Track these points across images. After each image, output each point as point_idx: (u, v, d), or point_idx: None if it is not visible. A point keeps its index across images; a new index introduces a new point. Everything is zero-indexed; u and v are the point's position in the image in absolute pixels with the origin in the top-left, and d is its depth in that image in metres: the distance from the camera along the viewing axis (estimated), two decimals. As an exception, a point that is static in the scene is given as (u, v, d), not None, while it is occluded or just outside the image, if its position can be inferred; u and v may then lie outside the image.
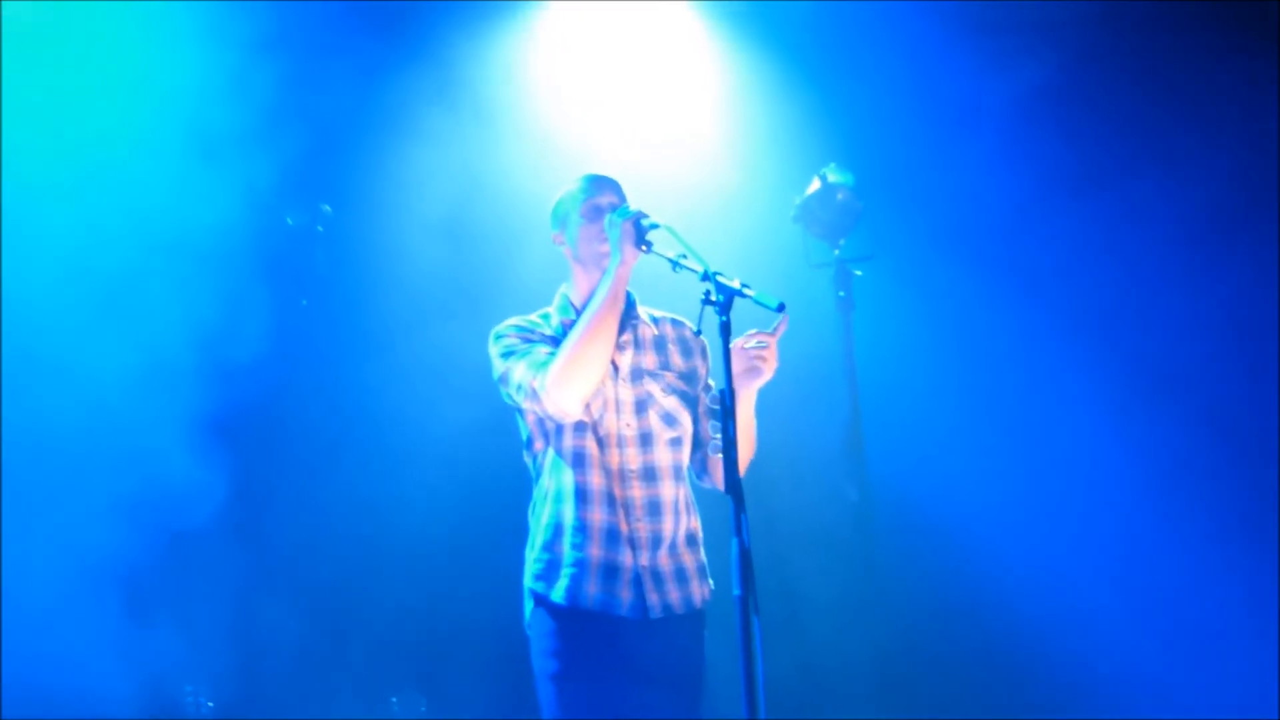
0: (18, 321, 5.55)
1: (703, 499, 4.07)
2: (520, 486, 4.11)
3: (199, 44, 5.81)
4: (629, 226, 3.76)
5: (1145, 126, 6.70)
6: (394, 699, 6.06)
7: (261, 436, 6.05)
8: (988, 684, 6.44)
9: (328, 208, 6.46)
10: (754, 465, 3.98)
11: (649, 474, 3.88)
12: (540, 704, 3.85)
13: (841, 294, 6.73)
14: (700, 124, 6.97)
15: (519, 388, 3.83)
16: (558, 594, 3.82)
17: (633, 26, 6.90)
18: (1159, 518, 6.49)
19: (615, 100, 6.82)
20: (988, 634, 6.46)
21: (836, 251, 6.81)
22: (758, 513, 3.36)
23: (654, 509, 3.87)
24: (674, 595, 3.86)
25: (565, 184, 4.10)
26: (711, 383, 4.09)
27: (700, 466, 4.08)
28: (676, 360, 4.04)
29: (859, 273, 6.77)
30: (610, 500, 3.84)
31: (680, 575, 3.89)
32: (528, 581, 3.94)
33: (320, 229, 6.41)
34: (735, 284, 3.41)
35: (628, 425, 3.89)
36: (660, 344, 4.04)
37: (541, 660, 3.86)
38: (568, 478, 3.87)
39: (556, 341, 3.90)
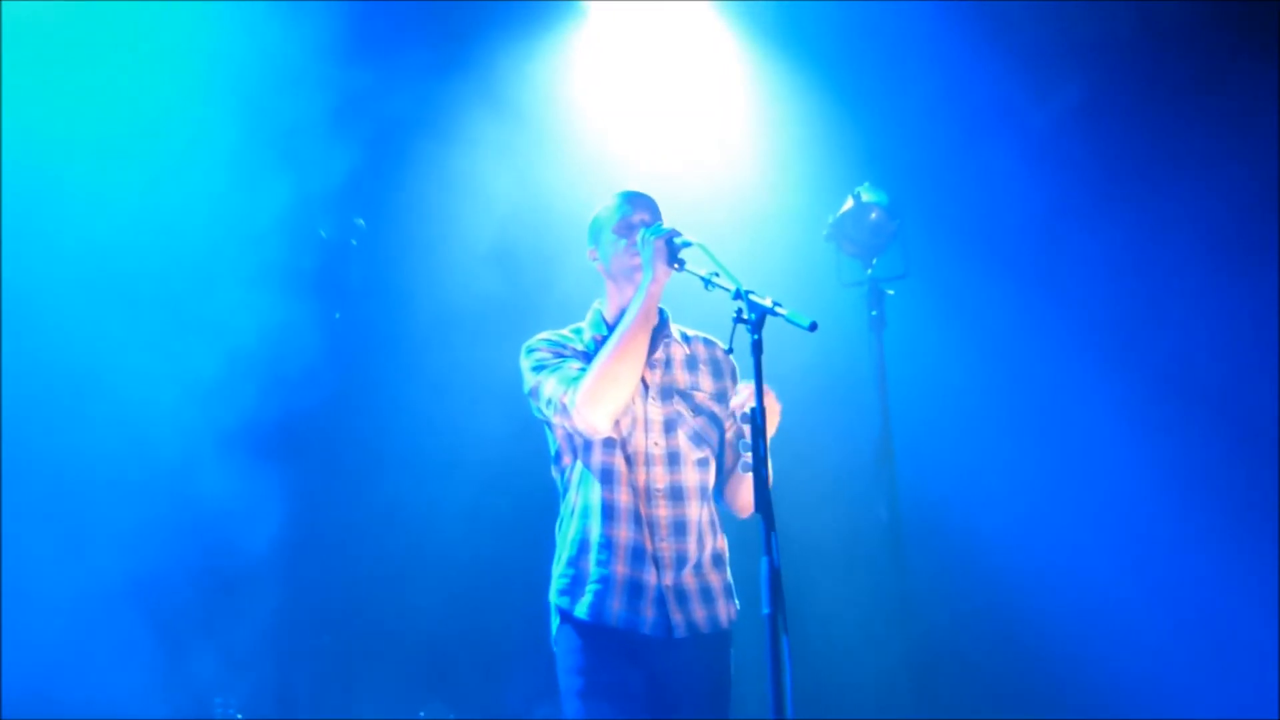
0: (49, 333, 5.58)
1: (730, 517, 4.06)
2: (549, 501, 4.10)
3: (243, 48, 5.83)
4: (662, 244, 3.77)
5: (1172, 142, 6.69)
6: (421, 713, 6.06)
7: (292, 449, 6.06)
8: (1019, 697, 6.41)
9: (361, 221, 6.48)
10: (786, 483, 3.95)
11: (675, 493, 3.88)
12: (565, 720, 3.85)
13: (874, 313, 6.71)
14: (734, 142, 6.99)
15: (549, 402, 3.84)
16: (582, 610, 3.82)
17: (670, 47, 6.92)
18: (1187, 528, 6.48)
19: (651, 118, 6.84)
20: (1019, 647, 6.45)
21: (869, 270, 6.79)
22: (787, 530, 3.34)
23: (679, 529, 3.86)
24: (699, 614, 3.85)
25: (602, 200, 4.12)
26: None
27: (718, 492, 4.06)
28: (707, 381, 4.04)
29: (891, 292, 6.75)
30: (636, 518, 3.84)
31: (706, 594, 3.88)
32: (553, 597, 3.93)
33: (354, 242, 6.43)
34: (767, 302, 3.40)
35: (656, 444, 3.89)
36: (692, 363, 4.04)
37: (567, 677, 3.85)
38: (595, 494, 3.86)
39: (588, 357, 3.90)
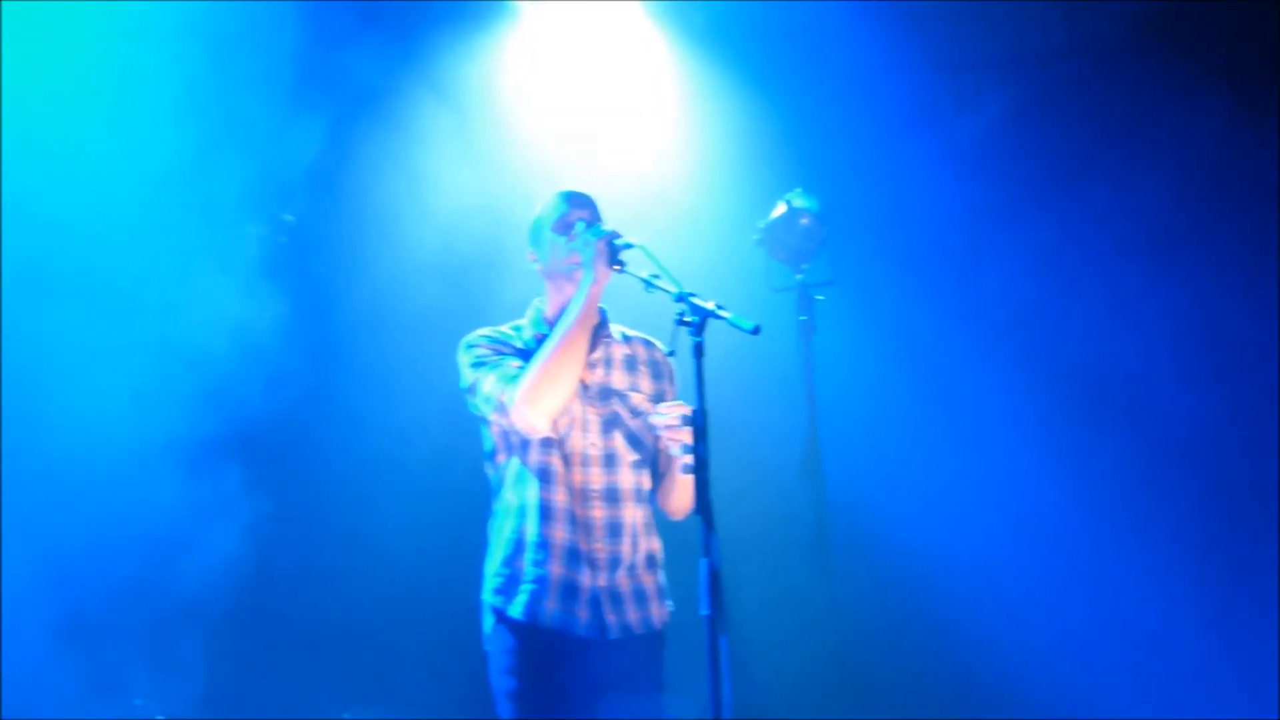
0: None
1: (665, 519, 4.07)
2: (484, 499, 4.09)
3: (188, 41, 5.73)
4: (603, 245, 3.79)
5: (1087, 147, 6.82)
6: (346, 715, 6.01)
7: (220, 446, 5.97)
8: (943, 694, 6.52)
9: (290, 217, 6.41)
10: (714, 484, 3.96)
11: (611, 495, 3.88)
12: (497, 720, 3.84)
13: (803, 318, 6.76)
14: (666, 146, 6.98)
15: (487, 400, 3.83)
16: (516, 610, 3.81)
17: (601, 48, 6.92)
18: (1101, 526, 6.61)
19: (583, 119, 6.82)
20: (942, 643, 6.54)
21: (799, 276, 6.84)
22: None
23: (614, 530, 3.87)
24: (633, 616, 3.86)
25: (543, 200, 4.12)
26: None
27: (653, 494, 4.06)
28: (646, 382, 4.05)
29: (821, 298, 6.80)
30: (572, 519, 3.84)
31: (639, 596, 3.90)
32: (486, 596, 3.93)
33: (283, 240, 6.36)
34: (710, 305, 3.42)
35: (593, 445, 3.90)
36: (631, 364, 4.05)
37: (499, 677, 3.86)
38: (531, 493, 3.86)
39: (527, 355, 3.90)
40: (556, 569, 3.81)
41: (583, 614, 3.80)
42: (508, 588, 3.86)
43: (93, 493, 5.46)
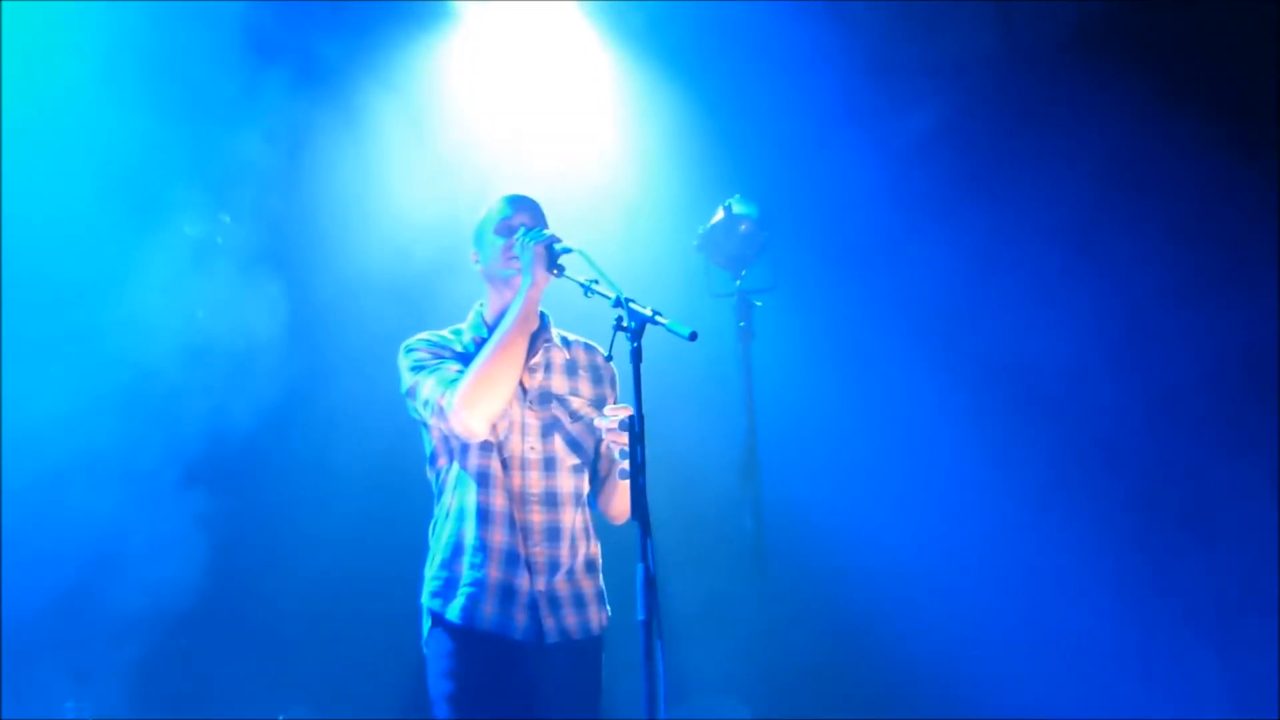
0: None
1: (605, 524, 4.09)
2: (425, 503, 4.09)
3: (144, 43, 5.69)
4: (541, 249, 3.80)
5: (1017, 152, 6.93)
6: (282, 716, 5.98)
7: (155, 448, 5.93)
8: (879, 697, 6.59)
9: (227, 218, 6.36)
10: (652, 489, 3.97)
11: (550, 499, 3.89)
12: (434, 725, 3.83)
13: (742, 324, 6.79)
14: (606, 151, 7.02)
15: (426, 404, 3.83)
16: (453, 613, 3.81)
17: (540, 51, 6.93)
18: (1037, 525, 6.72)
19: (523, 122, 6.84)
20: (878, 645, 6.63)
21: (738, 282, 6.88)
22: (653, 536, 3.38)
23: (553, 534, 3.87)
24: (571, 621, 3.87)
25: (486, 203, 4.12)
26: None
27: (593, 498, 4.07)
28: (586, 387, 4.06)
29: (759, 303, 6.85)
30: (511, 522, 3.84)
31: (578, 601, 3.90)
32: (425, 599, 3.92)
33: (220, 240, 6.31)
34: (648, 311, 3.44)
35: (532, 449, 3.90)
36: (572, 368, 4.06)
37: (436, 681, 3.84)
38: (470, 497, 3.86)
39: (467, 359, 3.89)
40: (494, 572, 3.81)
41: (520, 618, 3.80)
42: (446, 591, 3.85)
43: (25, 501, 5.41)
